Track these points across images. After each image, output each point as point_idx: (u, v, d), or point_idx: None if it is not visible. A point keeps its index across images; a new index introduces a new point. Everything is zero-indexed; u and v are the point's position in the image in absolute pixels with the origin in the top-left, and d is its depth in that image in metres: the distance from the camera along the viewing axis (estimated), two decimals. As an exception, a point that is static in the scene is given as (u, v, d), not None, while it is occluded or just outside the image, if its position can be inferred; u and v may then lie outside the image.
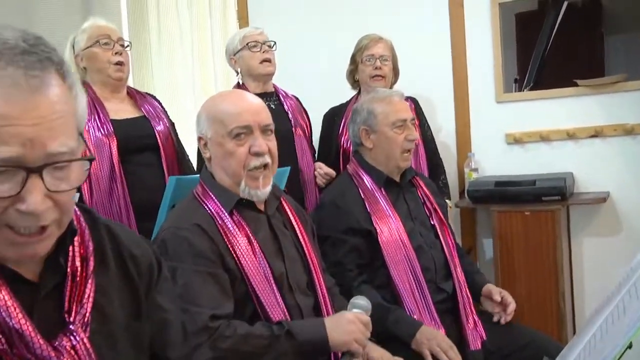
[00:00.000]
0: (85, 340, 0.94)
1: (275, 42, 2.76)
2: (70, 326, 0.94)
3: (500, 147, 3.35)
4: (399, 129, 2.24)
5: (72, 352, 0.92)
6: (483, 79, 3.36)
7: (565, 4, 3.21)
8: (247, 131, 1.63)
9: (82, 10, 3.66)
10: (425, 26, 3.43)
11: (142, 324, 1.08)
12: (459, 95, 3.42)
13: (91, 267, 0.99)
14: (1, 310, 0.86)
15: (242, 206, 1.67)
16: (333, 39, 3.51)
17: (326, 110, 3.06)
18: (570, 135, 3.17)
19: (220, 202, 1.64)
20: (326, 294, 1.76)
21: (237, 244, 1.58)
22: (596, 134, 3.13)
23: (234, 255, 1.57)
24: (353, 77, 2.96)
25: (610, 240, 3.15)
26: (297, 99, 2.88)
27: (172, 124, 2.46)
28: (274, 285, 1.60)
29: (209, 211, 1.63)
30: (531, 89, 3.34)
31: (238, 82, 2.78)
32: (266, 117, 1.68)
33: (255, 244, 1.62)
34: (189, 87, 3.91)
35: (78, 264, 0.98)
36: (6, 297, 0.87)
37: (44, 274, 0.94)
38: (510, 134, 3.31)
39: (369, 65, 2.84)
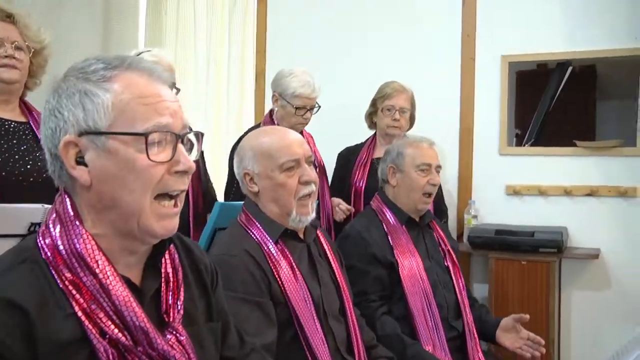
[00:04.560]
0: (187, 336, 1.06)
1: (319, 106, 2.83)
2: (173, 324, 1.05)
3: (499, 197, 3.52)
4: (423, 172, 2.39)
5: (180, 346, 1.03)
6: (488, 130, 3.56)
7: (570, 68, 3.42)
8: (296, 163, 1.76)
9: (103, 19, 3.77)
10: (437, 76, 3.62)
11: (215, 323, 1.21)
12: (464, 144, 3.60)
13: (181, 275, 1.12)
14: (128, 311, 0.96)
15: (286, 236, 1.78)
16: (349, 82, 3.69)
17: (338, 147, 3.22)
18: (567, 192, 3.36)
19: (266, 232, 1.74)
20: (356, 321, 1.87)
21: (282, 271, 1.69)
22: (591, 192, 3.33)
23: (279, 281, 1.67)
24: (371, 119, 3.12)
25: (599, 295, 3.33)
26: (311, 136, 3.01)
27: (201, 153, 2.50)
28: (313, 310, 1.70)
29: (255, 239, 1.73)
30: (532, 145, 3.53)
31: (271, 111, 2.89)
32: (309, 149, 1.83)
33: (297, 271, 1.72)
34: (200, 105, 4.03)
35: (170, 270, 1.10)
36: (131, 299, 0.97)
37: (145, 280, 1.06)
38: (510, 185, 3.49)
39: (388, 115, 3.00)
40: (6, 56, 2.02)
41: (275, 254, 1.70)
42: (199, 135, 1.08)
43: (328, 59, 3.77)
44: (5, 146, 2.00)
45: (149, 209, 0.98)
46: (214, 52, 4.15)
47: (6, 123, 2.06)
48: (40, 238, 0.99)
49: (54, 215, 1.01)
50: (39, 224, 1.72)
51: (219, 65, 4.11)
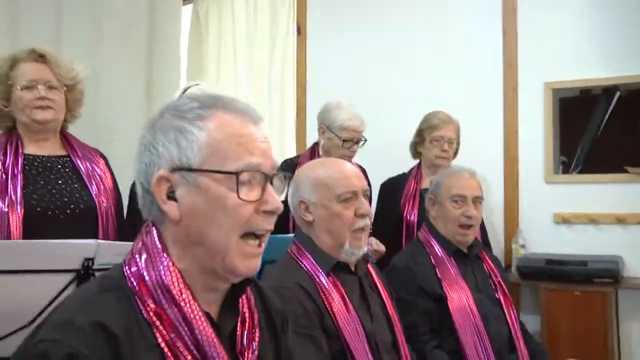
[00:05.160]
0: None
1: (366, 140, 2.84)
2: None
3: (547, 226, 3.45)
4: (457, 203, 2.34)
5: None
6: (533, 159, 3.51)
7: (618, 94, 3.35)
8: (353, 195, 1.75)
9: (145, 53, 3.87)
10: (480, 105, 3.61)
11: None
12: (509, 173, 3.55)
13: (256, 317, 1.11)
14: (210, 347, 0.96)
15: (338, 268, 1.76)
16: (389, 113, 3.69)
17: (380, 178, 3.18)
18: (620, 220, 3.26)
19: (318, 263, 1.74)
20: (408, 354, 1.83)
21: (334, 303, 1.67)
22: (646, 220, 3.22)
23: (331, 313, 1.66)
24: (416, 149, 3.09)
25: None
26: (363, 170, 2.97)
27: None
28: (365, 344, 1.67)
29: (306, 271, 1.73)
30: (579, 172, 3.45)
31: (315, 144, 2.90)
32: (365, 182, 1.83)
33: (349, 303, 1.70)
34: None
35: (246, 311, 1.10)
36: (213, 335, 0.98)
37: (222, 317, 1.06)
38: (558, 213, 3.41)
39: (436, 146, 2.97)
40: (39, 98, 2.07)
41: (327, 286, 1.69)
42: (287, 177, 1.09)
43: (368, 91, 3.78)
44: (41, 182, 2.06)
45: (234, 247, 0.99)
46: (255, 86, 4.22)
47: (44, 159, 2.12)
48: (127, 267, 1.00)
49: (141, 244, 1.02)
50: (92, 259, 1.75)
51: (260, 99, 4.17)
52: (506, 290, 2.36)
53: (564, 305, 3.02)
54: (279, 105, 4.17)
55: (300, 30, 4.09)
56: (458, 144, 3.06)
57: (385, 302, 1.86)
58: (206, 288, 1.02)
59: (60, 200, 2.04)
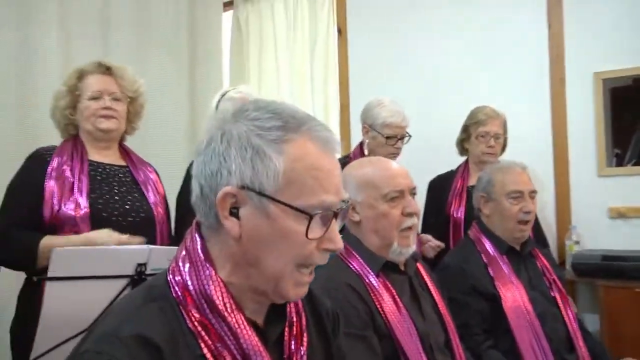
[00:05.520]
0: None
1: (410, 136, 2.82)
2: None
3: (602, 221, 3.33)
4: (514, 199, 2.28)
5: None
6: (584, 152, 3.40)
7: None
8: (400, 194, 1.73)
9: (189, 62, 3.93)
10: (526, 99, 3.52)
11: None
12: (559, 168, 3.45)
13: (304, 322, 1.10)
14: (256, 357, 0.95)
15: (387, 268, 1.74)
16: (434, 110, 3.64)
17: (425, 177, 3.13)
18: (680, 213, 3.13)
19: (367, 264, 1.72)
20: (462, 354, 1.79)
21: (385, 303, 1.65)
22: None
23: (382, 314, 1.64)
24: (463, 145, 3.05)
25: None
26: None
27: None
28: (418, 343, 1.65)
29: (355, 271, 1.71)
30: (635, 164, 3.33)
31: (361, 143, 2.89)
32: (412, 181, 1.79)
33: (400, 303, 1.68)
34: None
35: (294, 316, 1.09)
36: (260, 345, 0.97)
37: (269, 323, 1.05)
38: (613, 208, 3.30)
39: (482, 141, 2.92)
40: (105, 107, 2.17)
41: (377, 286, 1.67)
42: (347, 207, 1.05)
43: (412, 88, 3.74)
44: (106, 188, 2.13)
45: (288, 276, 0.98)
46: (297, 87, 4.23)
47: (107, 167, 2.20)
48: (171, 275, 1.00)
49: (184, 252, 1.01)
50: (144, 264, 1.78)
51: (302, 101, 4.17)
52: (562, 288, 2.29)
53: (624, 302, 2.91)
54: (321, 106, 4.16)
55: (341, 31, 4.08)
56: (505, 139, 2.99)
57: (437, 301, 1.82)
58: (253, 301, 1.01)
59: (122, 207, 2.11)
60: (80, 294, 1.70)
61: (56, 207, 2.01)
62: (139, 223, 2.13)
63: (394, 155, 2.77)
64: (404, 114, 2.80)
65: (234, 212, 0.96)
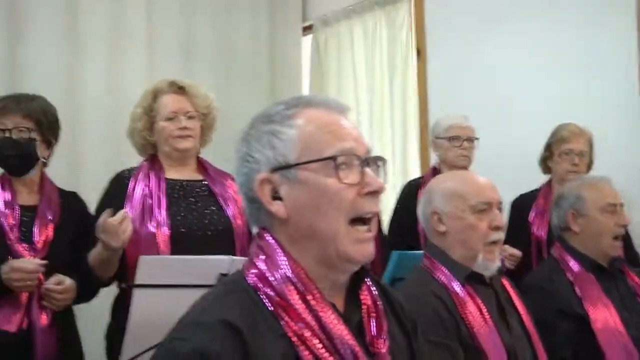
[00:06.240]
0: None
1: (478, 138, 2.83)
2: (381, 353, 1.04)
3: None
4: (609, 213, 2.21)
5: None
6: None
7: None
8: (488, 207, 1.72)
9: (269, 86, 4.02)
10: (614, 116, 3.35)
11: None
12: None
13: (381, 308, 1.10)
14: (339, 335, 0.97)
15: (472, 279, 1.73)
16: (515, 128, 3.55)
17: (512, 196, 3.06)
18: None
19: (453, 274, 1.71)
20: (550, 371, 1.72)
21: (470, 314, 1.64)
22: None
23: (468, 324, 1.62)
24: (546, 164, 2.97)
25: None
26: None
27: None
28: (505, 357, 1.62)
29: (440, 281, 1.71)
30: None
31: (434, 167, 2.88)
32: (499, 195, 1.78)
33: (486, 315, 1.65)
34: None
35: (370, 302, 1.09)
36: (342, 326, 0.99)
37: (348, 308, 1.07)
38: None
39: (566, 159, 2.84)
40: (181, 128, 2.25)
41: (462, 296, 1.66)
42: (383, 161, 1.09)
43: (492, 107, 3.67)
44: (183, 205, 2.21)
45: (344, 234, 1.00)
46: (376, 109, 4.24)
47: (184, 183, 2.28)
48: (246, 270, 1.04)
49: (256, 249, 1.06)
50: (226, 275, 1.82)
51: (382, 122, 4.19)
52: (658, 309, 2.17)
53: None
54: (400, 128, 4.15)
55: (420, 52, 4.08)
56: (591, 157, 2.90)
57: (523, 316, 1.79)
58: (326, 282, 1.03)
59: (201, 222, 2.18)
60: (166, 302, 1.76)
61: (137, 227, 2.07)
62: (218, 236, 2.18)
63: (463, 158, 2.79)
64: (466, 117, 2.86)
65: (276, 196, 1.03)
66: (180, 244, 2.08)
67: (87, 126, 3.12)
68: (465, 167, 2.82)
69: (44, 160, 2.20)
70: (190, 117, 2.27)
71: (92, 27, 3.19)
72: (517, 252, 2.69)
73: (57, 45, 3.04)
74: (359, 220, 1.02)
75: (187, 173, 2.31)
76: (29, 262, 1.98)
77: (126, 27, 3.33)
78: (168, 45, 3.54)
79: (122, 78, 3.28)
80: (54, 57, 3.02)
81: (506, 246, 2.71)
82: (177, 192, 2.23)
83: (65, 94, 3.00)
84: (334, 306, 1.01)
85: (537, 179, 3.05)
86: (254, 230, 1.10)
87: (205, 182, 2.32)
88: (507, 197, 3.03)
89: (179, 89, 2.30)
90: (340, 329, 0.97)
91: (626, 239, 2.82)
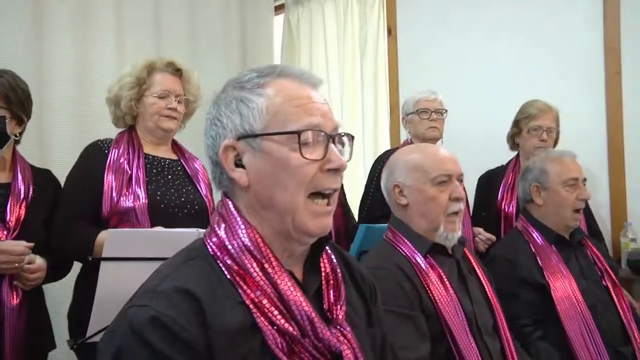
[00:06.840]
0: (352, 333, 1.06)
1: (446, 110, 2.89)
2: (338, 320, 1.06)
3: (660, 218, 3.22)
4: (570, 187, 2.27)
5: (346, 340, 1.04)
6: (640, 147, 3.29)
7: None
8: (448, 179, 1.75)
9: (240, 66, 4.00)
10: (579, 93, 3.43)
11: (375, 330, 1.20)
12: (614, 164, 3.36)
13: (340, 276, 1.13)
14: (295, 302, 0.99)
15: (434, 251, 1.76)
16: (485, 105, 3.60)
17: (478, 171, 3.12)
18: None
19: (415, 246, 1.74)
20: (510, 338, 1.80)
21: (432, 284, 1.67)
22: None
23: (430, 294, 1.66)
24: (514, 140, 3.01)
25: None
26: None
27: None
28: (466, 324, 1.66)
29: (403, 253, 1.74)
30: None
31: (407, 140, 2.91)
32: (459, 167, 1.81)
33: (447, 284, 1.69)
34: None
35: (329, 270, 1.12)
36: (298, 291, 1.01)
37: (307, 276, 1.09)
38: (672, 204, 3.18)
39: (534, 135, 2.87)
40: (170, 108, 2.25)
41: (424, 267, 1.69)
42: (350, 137, 1.10)
43: (461, 86, 3.71)
44: (162, 181, 2.21)
45: (302, 207, 1.02)
46: (347, 88, 4.26)
47: (162, 160, 2.28)
48: (207, 238, 1.06)
49: (218, 217, 1.07)
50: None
51: (353, 100, 4.21)
52: (614, 277, 2.25)
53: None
54: (371, 107, 4.18)
55: (391, 31, 4.09)
56: (557, 133, 2.95)
57: (485, 285, 1.83)
58: (285, 252, 1.05)
59: (179, 199, 2.19)
60: (133, 275, 1.76)
61: (115, 200, 2.08)
62: (194, 214, 2.20)
63: (433, 130, 2.83)
64: (434, 92, 2.92)
65: (239, 164, 1.04)
66: (160, 220, 2.08)
67: (54, 104, 3.07)
68: (436, 139, 2.86)
69: (16, 138, 2.16)
70: (179, 101, 2.29)
71: (61, 5, 3.12)
72: (492, 237, 2.74)
73: (24, 23, 2.98)
74: (318, 194, 1.04)
75: (162, 152, 2.32)
76: (15, 244, 1.95)
77: (95, 4, 3.27)
78: (137, 24, 3.48)
79: (90, 57, 3.23)
80: (20, 36, 2.96)
81: (480, 229, 2.77)
82: (155, 168, 2.23)
83: (33, 70, 2.94)
84: (292, 274, 1.03)
85: (505, 156, 3.10)
86: (219, 194, 1.12)
87: (181, 162, 2.33)
88: (475, 174, 3.11)
89: (176, 71, 2.31)
90: (297, 297, 0.99)
91: (587, 214, 2.91)
